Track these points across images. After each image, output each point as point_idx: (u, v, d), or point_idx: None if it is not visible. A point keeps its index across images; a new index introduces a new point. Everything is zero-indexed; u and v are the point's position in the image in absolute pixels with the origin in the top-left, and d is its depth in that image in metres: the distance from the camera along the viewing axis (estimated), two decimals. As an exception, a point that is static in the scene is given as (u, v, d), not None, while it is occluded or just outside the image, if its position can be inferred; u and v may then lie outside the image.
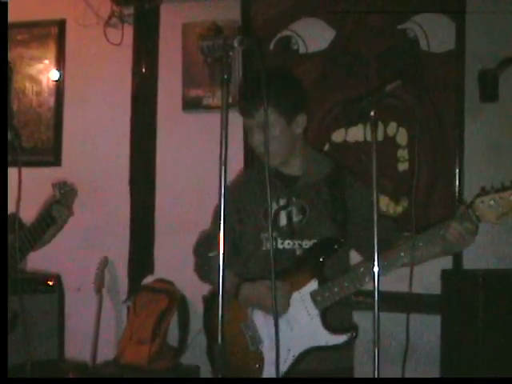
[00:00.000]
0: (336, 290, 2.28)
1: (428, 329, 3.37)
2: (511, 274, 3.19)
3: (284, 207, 2.41)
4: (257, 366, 2.34)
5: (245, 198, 2.50)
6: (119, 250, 4.09)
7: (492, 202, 2.09)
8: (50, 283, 3.77)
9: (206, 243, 2.53)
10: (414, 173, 3.33)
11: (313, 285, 2.32)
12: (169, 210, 4.05)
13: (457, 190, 3.43)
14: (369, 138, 1.98)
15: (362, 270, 2.26)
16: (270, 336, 2.30)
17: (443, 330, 3.19)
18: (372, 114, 1.99)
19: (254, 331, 2.39)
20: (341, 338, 2.28)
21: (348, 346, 2.34)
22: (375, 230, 1.91)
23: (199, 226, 3.82)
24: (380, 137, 3.48)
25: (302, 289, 2.33)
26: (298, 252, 2.38)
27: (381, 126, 3.48)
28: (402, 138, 3.53)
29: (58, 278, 3.83)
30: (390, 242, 2.27)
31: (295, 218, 2.39)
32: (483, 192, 2.15)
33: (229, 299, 2.28)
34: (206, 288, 3.66)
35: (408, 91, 3.47)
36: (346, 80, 3.62)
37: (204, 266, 2.53)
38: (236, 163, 3.58)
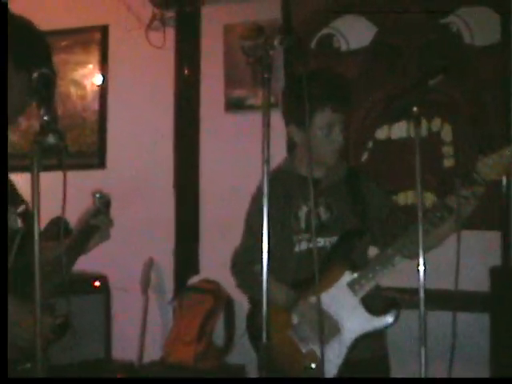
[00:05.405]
0: (370, 275, 2.34)
1: (476, 328, 3.31)
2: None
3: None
4: (314, 365, 2.35)
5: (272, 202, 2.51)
6: (165, 250, 4.13)
7: (491, 162, 2.14)
8: (97, 284, 3.81)
9: (246, 258, 2.53)
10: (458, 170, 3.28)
11: (347, 276, 2.37)
12: (213, 210, 4.07)
13: (504, 185, 3.37)
14: (413, 135, 1.95)
15: (390, 250, 2.31)
16: (317, 333, 2.31)
17: (492, 330, 3.13)
18: (414, 109, 1.97)
19: (302, 333, 2.39)
20: (387, 319, 2.32)
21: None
22: (420, 227, 1.89)
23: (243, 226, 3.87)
24: (424, 133, 3.44)
25: (338, 282, 2.37)
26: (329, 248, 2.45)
27: (425, 122, 3.44)
28: (447, 133, 3.49)
29: (104, 279, 3.87)
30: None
31: (324, 217, 2.46)
32: (482, 155, 2.17)
33: (275, 308, 2.23)
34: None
35: (452, 86, 3.42)
36: (389, 76, 3.59)
37: (250, 281, 2.50)
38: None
